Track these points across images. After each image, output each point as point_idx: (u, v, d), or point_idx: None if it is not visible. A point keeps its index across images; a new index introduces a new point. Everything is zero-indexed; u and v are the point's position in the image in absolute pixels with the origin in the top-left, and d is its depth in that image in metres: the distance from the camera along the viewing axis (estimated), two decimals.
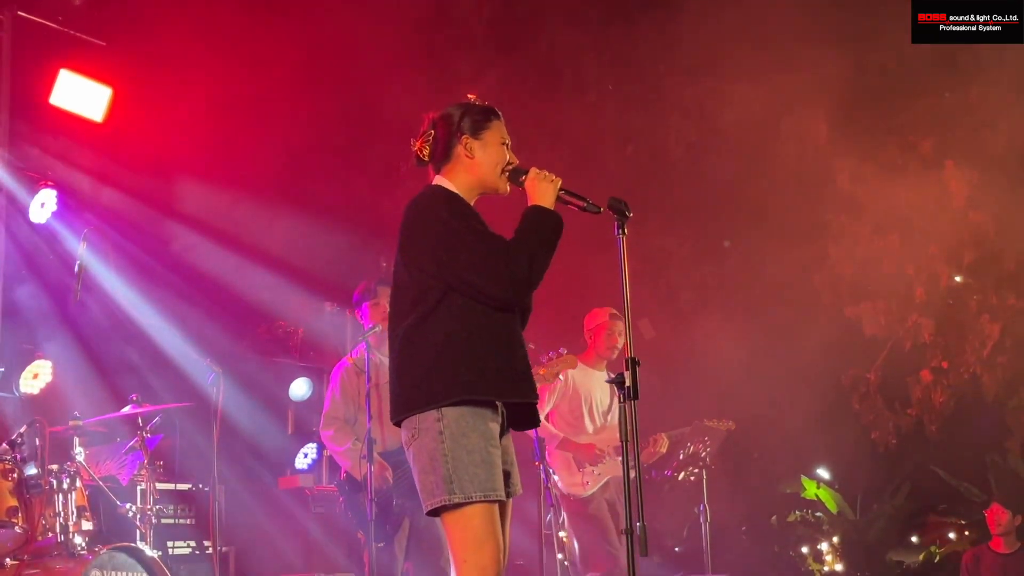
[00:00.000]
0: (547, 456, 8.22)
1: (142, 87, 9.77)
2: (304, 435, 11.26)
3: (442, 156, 4.59)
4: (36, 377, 9.35)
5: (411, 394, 4.35)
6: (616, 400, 8.72)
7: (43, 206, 9.38)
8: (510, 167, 4.59)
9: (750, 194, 10.81)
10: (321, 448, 11.06)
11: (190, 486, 8.82)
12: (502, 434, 4.48)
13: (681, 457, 8.56)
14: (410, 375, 4.36)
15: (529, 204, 4.51)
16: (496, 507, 4.30)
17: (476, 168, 4.56)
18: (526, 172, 4.58)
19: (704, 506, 8.26)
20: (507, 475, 4.46)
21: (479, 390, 4.31)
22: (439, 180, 4.58)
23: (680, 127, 11.30)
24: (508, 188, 4.61)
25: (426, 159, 4.63)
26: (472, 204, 4.58)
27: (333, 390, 7.50)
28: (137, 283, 9.30)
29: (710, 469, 8.50)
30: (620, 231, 5.16)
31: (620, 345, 8.56)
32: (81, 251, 6.86)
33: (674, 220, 11.27)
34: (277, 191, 10.68)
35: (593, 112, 11.55)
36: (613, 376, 5.21)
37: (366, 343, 7.46)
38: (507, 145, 4.61)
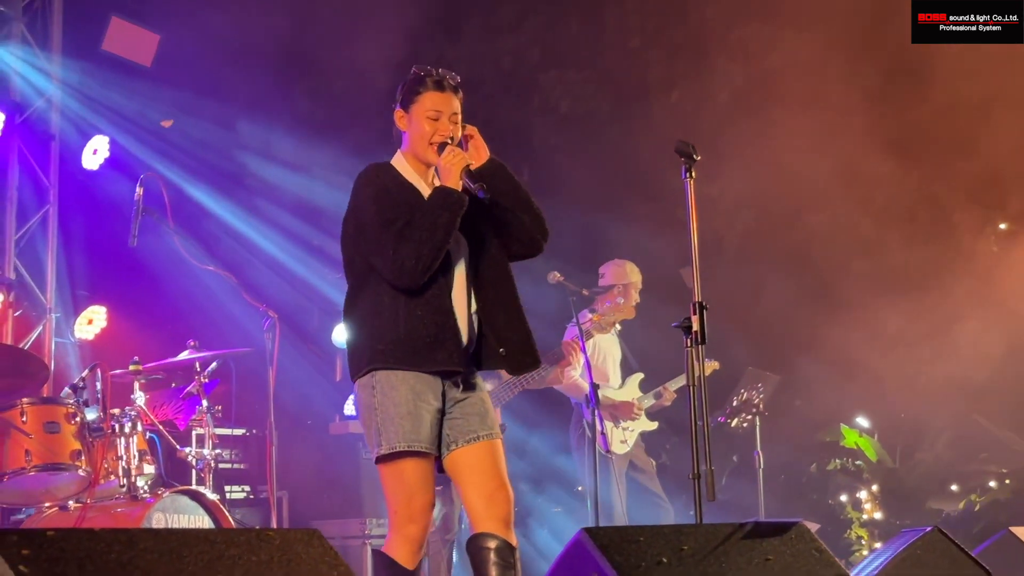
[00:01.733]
0: (585, 415, 8.27)
1: (190, 32, 9.78)
2: (352, 382, 11.22)
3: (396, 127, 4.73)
4: (91, 323, 9.40)
5: (351, 356, 4.57)
6: (620, 353, 8.76)
7: (95, 153, 9.42)
8: (438, 139, 4.59)
9: (796, 140, 10.71)
10: None
11: (244, 431, 8.88)
12: (461, 389, 4.60)
13: (735, 404, 8.58)
14: (348, 339, 4.60)
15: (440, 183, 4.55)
16: (428, 461, 4.46)
17: (409, 140, 4.66)
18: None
19: (758, 452, 8.28)
20: (477, 422, 4.58)
21: (387, 359, 4.42)
22: (397, 153, 4.70)
23: (726, 72, 11.19)
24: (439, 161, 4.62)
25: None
26: (427, 174, 4.68)
27: None
28: (191, 228, 9.33)
29: (763, 416, 8.53)
30: (688, 174, 5.24)
31: None
32: (138, 196, 6.83)
33: (718, 167, 11.18)
34: (323, 135, 10.66)
35: (638, 58, 11.47)
36: (679, 321, 5.21)
37: None
38: (438, 118, 4.60)
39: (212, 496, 6.98)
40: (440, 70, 4.68)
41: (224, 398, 7.94)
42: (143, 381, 7.19)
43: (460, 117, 4.68)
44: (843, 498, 11.21)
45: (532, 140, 11.82)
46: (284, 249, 10.52)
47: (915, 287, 10.61)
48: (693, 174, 5.32)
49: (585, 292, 8.00)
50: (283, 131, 10.55)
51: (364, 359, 4.47)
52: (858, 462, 11.36)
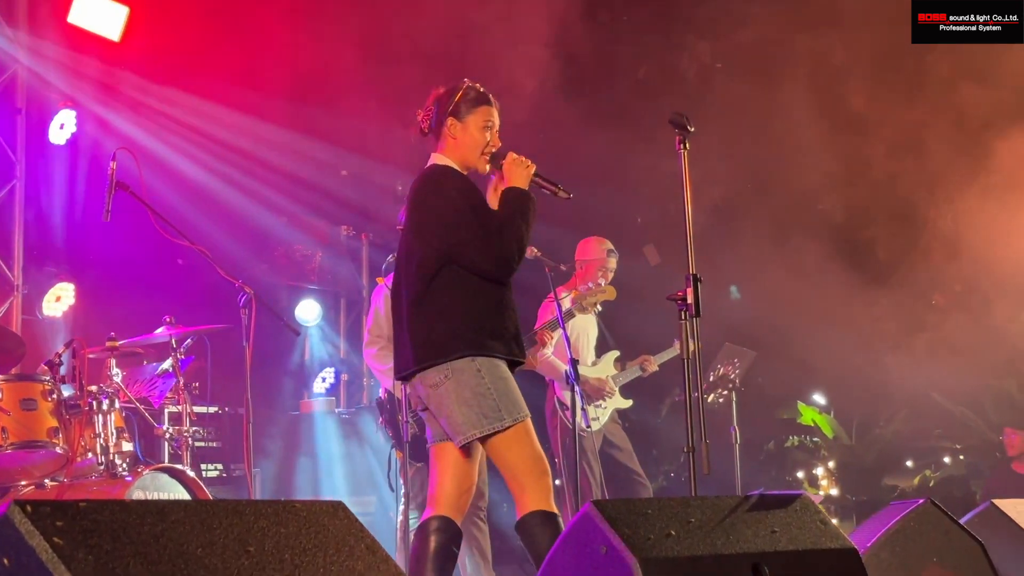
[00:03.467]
0: (556, 392, 8.26)
1: (158, 6, 9.63)
2: (321, 360, 11.21)
3: (436, 132, 5.11)
4: (59, 300, 9.28)
5: (431, 343, 4.84)
6: (597, 331, 8.74)
7: (62, 127, 9.30)
8: (490, 150, 5.06)
9: (763, 115, 10.74)
10: (339, 372, 11.04)
11: (217, 409, 8.78)
12: None
13: (711, 379, 8.59)
14: (431, 329, 4.85)
15: (506, 185, 5.01)
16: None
17: (459, 148, 5.06)
18: (504, 156, 5.07)
19: (734, 428, 8.31)
20: None
21: (481, 347, 4.82)
22: (438, 158, 5.09)
23: (693, 48, 11.19)
24: (487, 168, 5.11)
25: (426, 131, 5.15)
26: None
27: (376, 307, 7.45)
28: (161, 203, 9.21)
29: (739, 391, 8.55)
30: (682, 145, 5.31)
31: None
32: (111, 171, 6.70)
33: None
34: (292, 114, 10.57)
35: (605, 34, 11.43)
36: (674, 293, 5.26)
37: None
38: (490, 129, 5.07)
39: (191, 474, 6.88)
40: (481, 85, 5.12)
41: (199, 375, 7.85)
42: (119, 358, 7.07)
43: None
44: (800, 474, 11.30)
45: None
46: (250, 227, 10.44)
47: (884, 267, 10.70)
48: (687, 145, 5.35)
49: (563, 267, 7.99)
50: (257, 101, 10.42)
51: (452, 346, 4.79)
52: (815, 439, 11.45)
